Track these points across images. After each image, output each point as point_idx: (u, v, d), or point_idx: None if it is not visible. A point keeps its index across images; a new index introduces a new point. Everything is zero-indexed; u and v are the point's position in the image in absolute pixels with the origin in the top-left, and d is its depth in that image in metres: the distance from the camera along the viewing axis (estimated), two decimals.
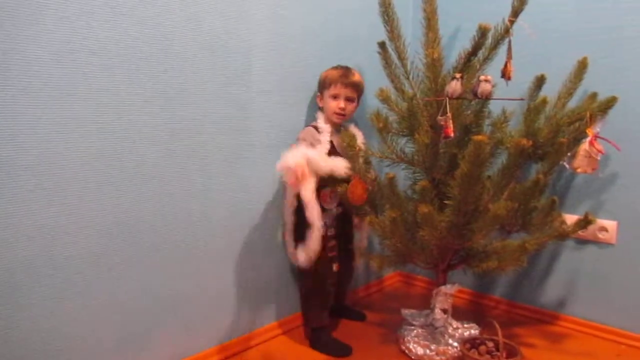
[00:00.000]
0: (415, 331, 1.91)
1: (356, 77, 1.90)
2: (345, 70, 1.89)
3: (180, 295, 1.68)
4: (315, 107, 1.97)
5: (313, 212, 1.72)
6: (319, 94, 1.93)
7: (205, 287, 1.75)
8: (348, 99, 1.87)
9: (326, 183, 1.84)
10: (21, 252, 1.30)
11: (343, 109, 1.86)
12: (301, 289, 2.03)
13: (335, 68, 1.90)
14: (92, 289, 1.45)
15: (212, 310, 1.79)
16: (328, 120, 1.89)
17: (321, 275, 1.90)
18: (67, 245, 1.39)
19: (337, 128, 1.93)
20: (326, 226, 1.86)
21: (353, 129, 1.94)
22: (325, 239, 1.86)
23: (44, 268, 1.35)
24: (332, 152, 1.85)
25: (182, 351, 1.71)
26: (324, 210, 1.84)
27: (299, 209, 1.80)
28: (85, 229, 1.42)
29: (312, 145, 1.82)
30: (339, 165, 1.78)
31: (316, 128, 1.87)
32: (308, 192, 1.72)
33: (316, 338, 1.93)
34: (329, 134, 1.85)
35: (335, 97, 1.87)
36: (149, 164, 1.54)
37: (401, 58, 1.83)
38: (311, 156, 1.73)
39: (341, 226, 1.96)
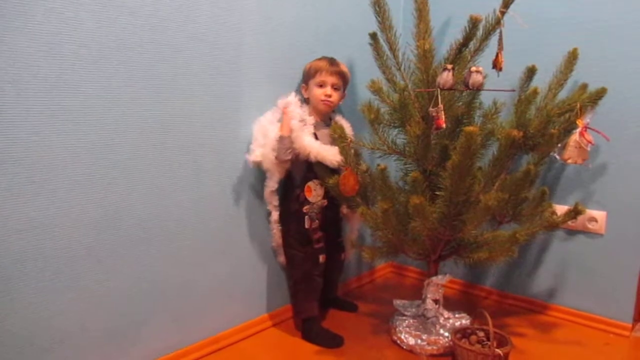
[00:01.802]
0: (406, 321, 1.92)
1: (342, 67, 1.90)
2: (331, 60, 1.89)
3: (171, 287, 1.68)
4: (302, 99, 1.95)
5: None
6: (303, 84, 1.92)
7: (196, 280, 1.75)
8: (334, 87, 1.87)
9: (314, 175, 1.85)
10: (11, 245, 1.29)
11: (330, 96, 1.86)
12: (289, 281, 2.05)
13: (320, 59, 1.90)
14: (82, 282, 1.45)
15: (203, 303, 1.79)
16: (313, 112, 1.89)
17: (308, 267, 1.91)
18: (56, 238, 1.38)
19: (322, 119, 1.92)
20: (311, 219, 1.87)
21: (342, 120, 1.94)
22: (310, 231, 1.88)
23: (34, 261, 1.34)
24: None
25: (173, 344, 1.71)
26: (308, 202, 1.86)
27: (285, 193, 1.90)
28: (75, 222, 1.41)
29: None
30: (327, 152, 1.80)
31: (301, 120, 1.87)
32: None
33: (307, 329, 1.94)
34: (313, 127, 1.85)
35: (321, 85, 1.86)
36: (139, 156, 1.53)
37: (392, 49, 1.82)
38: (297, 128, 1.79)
39: (328, 218, 1.96)
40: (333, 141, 1.81)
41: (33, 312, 1.35)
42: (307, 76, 1.90)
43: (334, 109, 1.96)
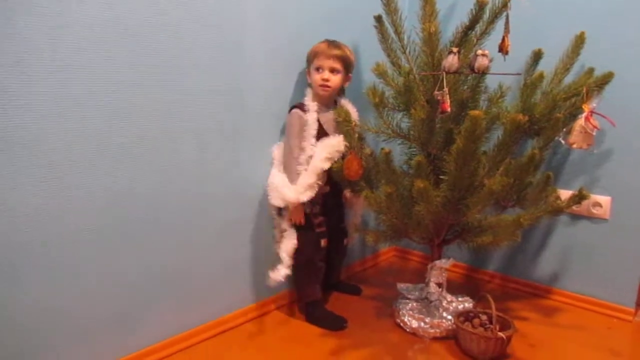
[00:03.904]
0: (410, 305, 1.93)
1: (340, 50, 1.85)
2: (330, 42, 1.86)
3: (176, 271, 1.69)
4: (306, 82, 1.94)
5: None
6: (307, 69, 1.91)
7: (200, 263, 1.76)
8: (332, 70, 1.84)
9: None
10: (17, 230, 1.30)
11: (327, 80, 1.83)
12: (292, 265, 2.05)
13: (321, 42, 1.87)
14: (86, 267, 1.46)
15: (207, 286, 1.80)
16: (316, 97, 1.87)
17: (310, 252, 1.91)
18: (63, 223, 1.38)
19: (325, 103, 1.90)
20: (311, 204, 1.87)
21: (348, 104, 1.93)
22: (311, 215, 1.88)
23: (39, 246, 1.35)
24: (320, 131, 1.84)
25: (178, 327, 1.73)
26: None
27: None
28: (80, 207, 1.41)
29: (299, 134, 1.82)
30: (334, 149, 1.80)
31: (303, 106, 1.85)
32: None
33: (311, 312, 1.95)
34: (316, 112, 1.84)
35: (319, 69, 1.84)
36: (144, 140, 1.53)
37: (398, 32, 1.81)
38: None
39: (330, 204, 1.96)
40: (337, 125, 1.80)
41: (37, 297, 1.36)
42: (308, 60, 1.88)
43: (339, 93, 1.95)
